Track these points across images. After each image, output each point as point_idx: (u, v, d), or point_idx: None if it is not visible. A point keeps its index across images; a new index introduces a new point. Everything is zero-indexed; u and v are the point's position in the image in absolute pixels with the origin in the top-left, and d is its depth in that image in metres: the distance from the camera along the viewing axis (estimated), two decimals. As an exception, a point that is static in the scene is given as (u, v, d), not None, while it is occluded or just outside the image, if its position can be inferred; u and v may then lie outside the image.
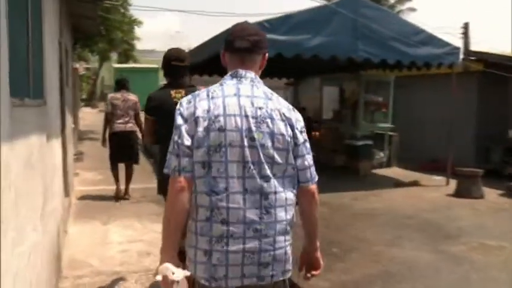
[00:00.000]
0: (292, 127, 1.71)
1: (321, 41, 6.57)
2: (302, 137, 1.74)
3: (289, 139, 1.69)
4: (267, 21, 6.31)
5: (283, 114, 1.71)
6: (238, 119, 1.64)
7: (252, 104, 1.67)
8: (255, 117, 1.65)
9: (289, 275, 1.75)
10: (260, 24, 6.15)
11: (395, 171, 9.78)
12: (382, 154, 10.15)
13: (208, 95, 1.70)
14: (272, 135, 1.66)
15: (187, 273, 1.59)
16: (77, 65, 13.30)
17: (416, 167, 9.74)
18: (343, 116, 10.23)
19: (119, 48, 20.66)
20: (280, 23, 6.40)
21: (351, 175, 9.05)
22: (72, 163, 7.02)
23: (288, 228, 1.72)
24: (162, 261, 1.60)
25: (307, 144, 1.77)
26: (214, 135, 1.61)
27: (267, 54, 1.84)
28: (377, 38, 7.02)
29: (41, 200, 2.73)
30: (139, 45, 25.60)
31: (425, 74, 9.18)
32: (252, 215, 1.62)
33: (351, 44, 6.82)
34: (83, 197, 6.68)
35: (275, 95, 1.77)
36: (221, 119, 1.63)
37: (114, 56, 25.66)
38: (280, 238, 1.68)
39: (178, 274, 1.54)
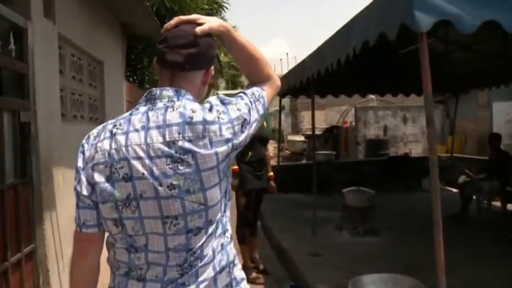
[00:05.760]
0: (231, 141, 1.34)
1: None
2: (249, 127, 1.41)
3: (225, 164, 1.35)
4: None
5: (215, 133, 1.32)
6: (147, 162, 1.30)
7: (164, 137, 1.30)
8: (169, 156, 1.29)
9: None
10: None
11: None
12: None
13: (111, 131, 1.36)
14: (198, 173, 1.30)
15: None
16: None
17: None
18: None
19: (224, 74, 18.80)
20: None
21: None
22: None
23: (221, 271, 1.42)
24: None
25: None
26: (119, 187, 1.31)
27: (211, 67, 1.48)
28: None
29: None
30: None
31: None
32: (172, 273, 1.36)
33: None
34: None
35: (206, 108, 1.35)
36: (125, 164, 1.31)
37: (222, 83, 24.60)
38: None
39: None
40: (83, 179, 1.37)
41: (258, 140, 4.75)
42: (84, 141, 1.42)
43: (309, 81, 5.64)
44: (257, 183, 4.65)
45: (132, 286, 1.39)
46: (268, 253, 5.89)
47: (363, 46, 3.28)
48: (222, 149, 1.33)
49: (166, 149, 1.30)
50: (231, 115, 1.37)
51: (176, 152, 1.29)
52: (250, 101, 1.46)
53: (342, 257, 4.99)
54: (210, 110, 1.36)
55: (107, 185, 1.33)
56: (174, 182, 1.29)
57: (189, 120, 1.31)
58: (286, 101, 22.29)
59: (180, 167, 1.29)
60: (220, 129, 1.33)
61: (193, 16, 1.46)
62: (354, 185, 6.56)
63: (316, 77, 5.18)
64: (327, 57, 4.57)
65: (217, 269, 1.41)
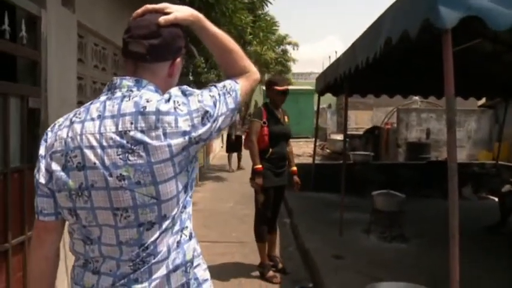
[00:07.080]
0: (189, 134, 1.28)
1: None
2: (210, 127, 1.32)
3: (181, 158, 1.28)
4: None
5: (170, 124, 1.26)
6: (99, 152, 1.27)
7: (117, 126, 1.27)
8: (121, 146, 1.26)
9: None
10: None
11: None
12: None
13: (71, 120, 1.35)
14: (150, 165, 1.25)
15: None
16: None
17: None
18: None
19: (271, 70, 18.75)
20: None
21: None
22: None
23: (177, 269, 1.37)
24: None
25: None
26: (73, 176, 1.30)
27: (178, 59, 1.42)
28: None
29: None
30: (297, 68, 23.82)
31: None
32: (125, 267, 1.32)
33: None
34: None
35: (164, 98, 1.30)
36: (78, 153, 1.29)
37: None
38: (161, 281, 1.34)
39: None
40: (42, 167, 1.36)
41: (281, 136, 4.66)
42: (49, 129, 1.40)
43: (342, 78, 5.50)
44: (276, 181, 4.55)
45: (87, 278, 1.37)
46: (293, 252, 5.80)
47: (398, 45, 3.10)
48: (177, 141, 1.27)
49: (118, 138, 1.26)
50: (191, 107, 1.30)
51: (128, 142, 1.25)
52: (219, 94, 1.39)
53: (364, 262, 4.80)
54: (168, 100, 1.30)
55: (62, 174, 1.31)
56: (124, 173, 1.26)
57: (142, 110, 1.27)
58: (332, 99, 21.91)
59: (131, 158, 1.25)
60: (176, 120, 1.27)
61: (161, 5, 1.40)
62: (390, 187, 6.31)
63: (348, 75, 5.03)
64: (357, 54, 4.42)
65: (171, 267, 1.35)
